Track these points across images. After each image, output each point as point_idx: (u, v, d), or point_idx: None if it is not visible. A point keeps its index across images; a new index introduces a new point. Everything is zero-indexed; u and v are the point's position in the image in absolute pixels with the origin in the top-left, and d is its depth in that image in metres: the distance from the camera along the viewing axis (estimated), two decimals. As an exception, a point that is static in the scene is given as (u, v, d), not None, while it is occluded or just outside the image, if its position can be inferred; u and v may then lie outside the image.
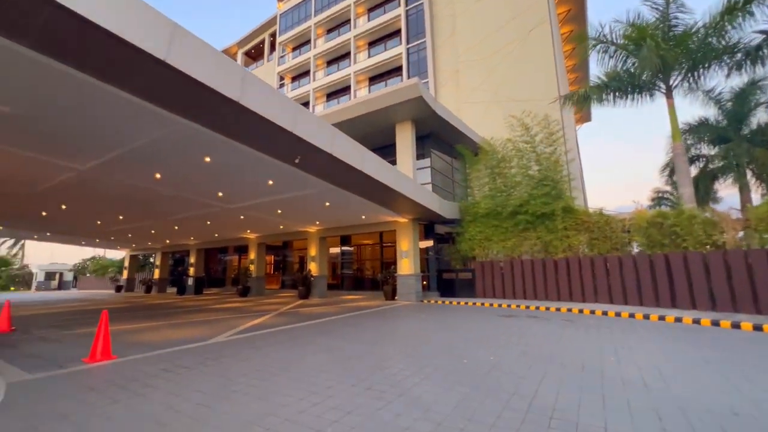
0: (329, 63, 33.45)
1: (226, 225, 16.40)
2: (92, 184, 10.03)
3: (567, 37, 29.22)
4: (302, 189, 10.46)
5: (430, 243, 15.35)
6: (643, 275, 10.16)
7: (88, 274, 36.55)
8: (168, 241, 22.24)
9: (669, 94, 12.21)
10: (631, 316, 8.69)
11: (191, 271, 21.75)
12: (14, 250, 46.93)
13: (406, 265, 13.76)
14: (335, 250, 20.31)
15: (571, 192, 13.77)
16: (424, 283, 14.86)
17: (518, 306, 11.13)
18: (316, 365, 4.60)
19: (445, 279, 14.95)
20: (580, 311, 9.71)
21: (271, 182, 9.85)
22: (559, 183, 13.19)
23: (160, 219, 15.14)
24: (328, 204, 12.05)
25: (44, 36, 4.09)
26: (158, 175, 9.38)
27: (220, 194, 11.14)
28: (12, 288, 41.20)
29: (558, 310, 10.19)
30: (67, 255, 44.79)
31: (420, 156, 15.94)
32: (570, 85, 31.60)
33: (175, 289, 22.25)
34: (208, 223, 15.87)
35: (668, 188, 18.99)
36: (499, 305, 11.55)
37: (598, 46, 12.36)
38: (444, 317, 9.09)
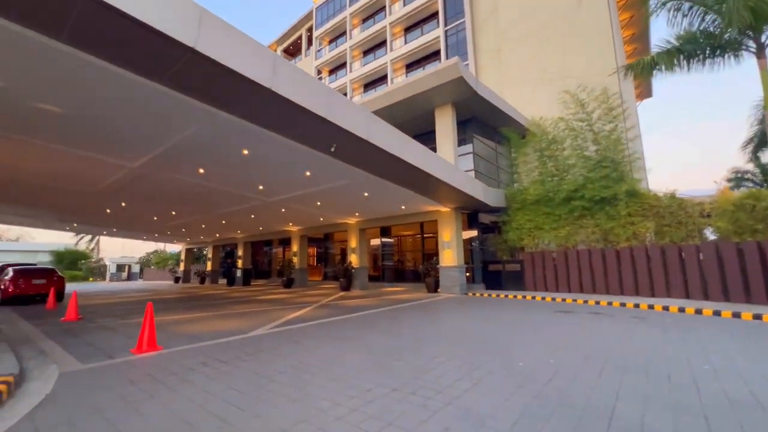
0: (365, 53, 33.07)
1: (269, 218, 16.77)
2: (144, 181, 10.53)
3: (623, 5, 26.29)
4: (340, 179, 10.23)
5: (474, 233, 14.58)
6: (730, 266, 8.74)
7: (151, 266, 39.81)
8: (218, 235, 23.39)
9: (761, 54, 10.31)
10: (716, 314, 7.48)
11: (239, 263, 22.72)
12: (91, 245, 52.62)
13: (449, 257, 13.15)
14: (375, 241, 20.12)
15: (635, 173, 12.26)
16: (468, 275, 14.16)
17: (574, 300, 10.14)
18: (355, 364, 4.29)
19: (491, 271, 14.14)
20: (650, 307, 8.57)
21: (308, 173, 9.71)
22: (620, 164, 11.79)
23: (208, 213, 15.80)
24: (366, 194, 11.76)
25: (79, 29, 4.07)
26: (201, 170, 9.60)
27: (261, 187, 11.25)
28: (90, 278, 46.21)
29: (623, 305, 9.10)
30: (135, 249, 49.31)
31: (461, 142, 15.12)
32: (627, 58, 28.53)
33: (225, 281, 23.42)
34: (252, 216, 16.31)
35: (750, 167, 16.39)
36: (553, 299, 10.62)
37: (669, 4, 10.72)
38: (492, 312, 8.45)
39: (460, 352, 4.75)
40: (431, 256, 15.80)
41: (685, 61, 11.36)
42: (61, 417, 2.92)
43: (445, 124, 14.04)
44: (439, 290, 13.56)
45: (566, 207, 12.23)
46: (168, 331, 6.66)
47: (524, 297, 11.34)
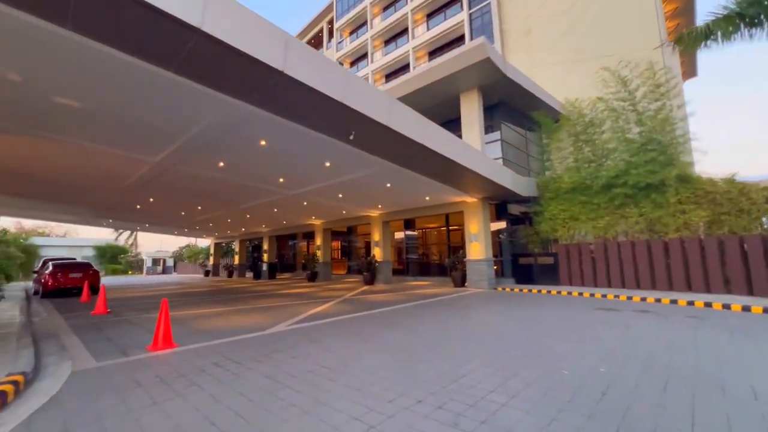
0: (387, 42, 32.36)
1: (292, 211, 16.70)
2: (167, 177, 10.59)
3: (668, -27, 24.05)
4: (361, 170, 9.83)
5: (502, 225, 13.83)
6: (804, 259, 7.65)
7: (184, 260, 41.37)
8: (243, 229, 23.74)
9: (842, 13, 8.88)
10: (791, 313, 6.52)
11: (265, 257, 22.98)
12: (130, 240, 55.50)
13: (477, 250, 12.52)
14: (399, 234, 19.68)
15: (685, 157, 11.06)
16: (496, 268, 13.46)
17: (616, 296, 9.30)
18: (376, 368, 3.89)
19: (522, 264, 13.37)
20: (707, 305, 7.66)
21: (328, 164, 9.38)
22: (668, 146, 10.66)
23: (232, 208, 15.90)
24: (389, 185, 11.31)
25: (81, 14, 3.84)
26: (221, 164, 9.48)
27: (281, 180, 11.05)
28: (129, 272, 48.79)
29: (674, 302, 8.21)
30: (170, 243, 51.56)
31: (488, 129, 14.31)
32: (668, 36, 26.21)
33: (252, 274, 23.79)
34: (275, 210, 16.28)
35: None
36: (591, 295, 9.80)
37: (728, -38, 9.42)
38: (525, 309, 7.83)
39: (494, 355, 4.25)
40: (457, 249, 15.19)
41: (746, 29, 10.04)
42: (60, 424, 2.70)
43: (470, 110, 13.29)
44: (466, 284, 12.97)
45: (606, 195, 11.26)
46: (188, 326, 6.55)
47: (559, 292, 10.57)
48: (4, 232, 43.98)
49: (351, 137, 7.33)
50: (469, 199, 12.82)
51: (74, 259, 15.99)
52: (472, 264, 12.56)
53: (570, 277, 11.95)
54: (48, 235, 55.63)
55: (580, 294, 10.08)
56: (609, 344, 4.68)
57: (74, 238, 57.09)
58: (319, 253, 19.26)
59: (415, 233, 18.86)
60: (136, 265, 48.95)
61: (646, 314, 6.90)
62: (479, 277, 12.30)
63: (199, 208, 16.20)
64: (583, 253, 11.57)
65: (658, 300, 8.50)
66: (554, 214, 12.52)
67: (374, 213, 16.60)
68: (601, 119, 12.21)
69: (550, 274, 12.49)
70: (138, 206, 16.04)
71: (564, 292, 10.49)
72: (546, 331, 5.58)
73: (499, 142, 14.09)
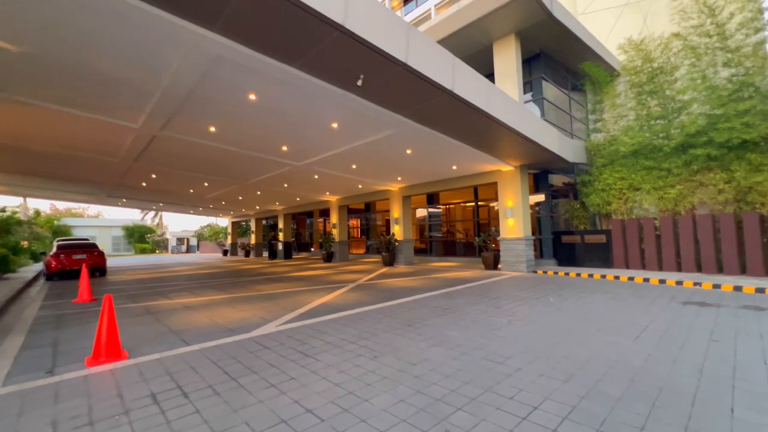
0: (406, 0, 29.55)
1: (304, 187, 15.32)
2: (158, 146, 9.40)
3: None
4: (374, 132, 8.15)
5: (541, 197, 11.90)
6: None
7: (205, 240, 41.54)
8: (258, 207, 22.75)
9: None
10: None
11: (281, 236, 22.00)
12: (156, 220, 56.72)
13: (512, 227, 10.73)
14: (422, 212, 18.02)
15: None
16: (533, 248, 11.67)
17: (697, 284, 7.39)
18: (386, 414, 2.40)
19: (565, 244, 11.50)
20: (841, 299, 5.68)
21: (335, 125, 7.75)
22: (772, 93, 8.27)
23: (240, 184, 14.68)
24: (409, 151, 9.59)
25: None
26: (212, 128, 8.08)
27: (285, 148, 9.56)
28: (156, 251, 49.95)
29: (786, 294, 6.26)
30: (195, 223, 52.13)
31: (525, 87, 12.14)
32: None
33: (267, 254, 22.98)
34: (286, 185, 14.95)
35: None
36: (661, 281, 7.93)
37: None
38: (584, 301, 6.12)
39: (572, 393, 2.66)
40: (487, 226, 13.43)
41: None
42: None
43: (506, 61, 11.14)
44: (499, 267, 11.30)
45: (680, 158, 9.09)
46: (162, 323, 5.32)
47: (617, 277, 8.73)
48: (37, 213, 45.38)
49: (359, 82, 5.64)
50: (505, 168, 10.92)
51: (87, 239, 15.43)
52: (507, 243, 10.82)
53: (627, 258, 10.02)
54: (81, 216, 57.54)
55: (646, 280, 8.21)
56: (741, 360, 2.98)
57: (105, 218, 58.78)
58: (334, 231, 17.96)
59: (439, 209, 17.13)
60: (163, 245, 49.99)
61: (765, 313, 5.06)
62: (516, 258, 10.57)
63: (206, 184, 15.10)
64: (645, 229, 9.57)
65: (761, 290, 6.56)
66: (608, 184, 10.47)
67: (393, 187, 14.95)
68: (673, 64, 9.80)
69: (600, 255, 10.59)
70: (144, 183, 15.15)
71: (623, 278, 8.64)
72: (625, 335, 3.91)
73: (539, 101, 11.90)
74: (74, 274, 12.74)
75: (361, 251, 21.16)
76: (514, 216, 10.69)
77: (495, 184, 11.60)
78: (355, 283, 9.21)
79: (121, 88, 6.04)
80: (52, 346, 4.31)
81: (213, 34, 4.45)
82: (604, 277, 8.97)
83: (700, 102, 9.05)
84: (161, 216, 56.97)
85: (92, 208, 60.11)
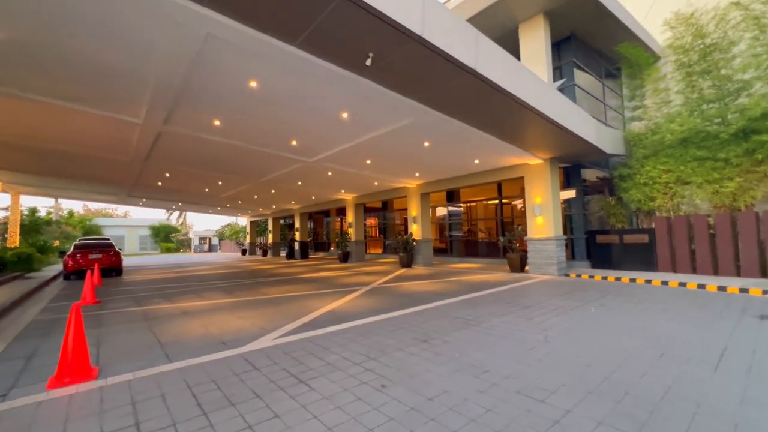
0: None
1: (318, 184, 14.81)
2: (166, 143, 9.10)
3: None
4: (389, 121, 7.46)
5: (572, 194, 10.85)
6: None
7: (225, 239, 42.10)
8: (274, 206, 22.53)
9: None
10: None
11: (297, 235, 21.68)
12: (180, 220, 58.22)
13: (541, 225, 9.78)
14: (441, 210, 17.19)
15: None
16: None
17: (766, 292, 6.29)
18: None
19: (600, 244, 10.44)
20: None
21: (345, 115, 7.11)
22: None
23: (254, 182, 14.33)
24: (427, 144, 8.84)
25: None
26: (216, 122, 7.63)
27: (294, 143, 9.02)
28: (181, 250, 51.17)
29: None
30: (217, 222, 53.06)
31: (555, 72, 11.12)
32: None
33: (285, 253, 22.72)
34: (299, 183, 14.49)
35: None
36: (721, 288, 6.85)
37: None
38: (631, 311, 5.22)
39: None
40: (510, 225, 12.49)
41: None
42: None
43: (533, 45, 10.18)
44: (527, 269, 10.38)
45: (740, 146, 7.93)
46: (151, 330, 4.84)
47: (664, 283, 7.68)
48: (71, 213, 46.93)
49: (368, 62, 4.96)
50: (533, 161, 9.98)
51: (108, 239, 15.55)
52: (536, 244, 9.88)
53: (673, 261, 8.90)
54: (111, 216, 59.76)
55: (701, 287, 7.14)
56: None
57: (132, 218, 60.81)
58: (350, 231, 17.40)
59: (459, 207, 16.26)
60: (186, 244, 51.17)
61: None
62: (545, 260, 9.63)
63: (220, 183, 14.86)
64: (696, 228, 8.44)
65: None
66: (651, 177, 9.36)
67: (411, 184, 14.21)
68: (731, 39, 8.59)
69: (641, 257, 9.49)
70: (159, 183, 15.07)
71: (673, 283, 7.58)
72: (735, 377, 3.05)
73: (569, 89, 10.85)
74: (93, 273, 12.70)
75: (379, 251, 20.54)
76: (543, 214, 9.74)
77: (521, 179, 10.67)
78: (368, 287, 8.56)
79: (113, 76, 5.63)
80: (27, 359, 3.87)
81: (199, 7, 3.89)
82: (648, 281, 7.94)
83: (765, 80, 7.83)
84: (185, 216, 58.51)
85: (121, 209, 62.32)
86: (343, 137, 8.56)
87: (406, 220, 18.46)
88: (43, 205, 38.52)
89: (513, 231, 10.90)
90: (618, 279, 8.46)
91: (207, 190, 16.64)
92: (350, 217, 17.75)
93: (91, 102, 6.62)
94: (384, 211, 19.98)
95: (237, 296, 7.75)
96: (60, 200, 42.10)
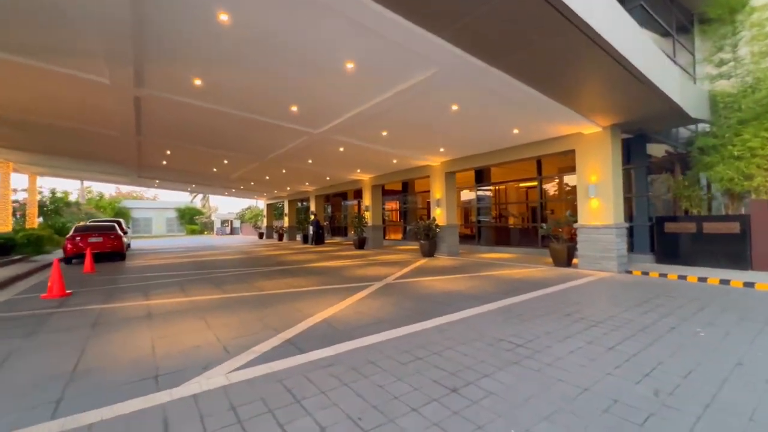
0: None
1: (330, 163, 13.35)
2: (152, 112, 8.05)
3: None
4: (407, 74, 5.79)
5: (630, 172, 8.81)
6: None
7: (245, 222, 41.89)
8: (288, 188, 21.39)
9: None
10: None
11: (313, 218, 20.51)
12: (204, 203, 58.93)
13: (597, 210, 7.92)
14: (467, 194, 15.37)
15: None
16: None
17: None
18: None
19: (668, 234, 8.45)
20: None
21: (351, 65, 5.50)
22: None
23: (260, 160, 13.05)
24: (456, 108, 7.10)
25: None
26: (197, 81, 6.25)
27: (294, 108, 7.52)
28: (205, 232, 51.83)
29: None
30: (239, 205, 53.20)
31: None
32: None
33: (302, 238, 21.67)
34: (310, 161, 13.08)
35: None
36: None
37: None
38: (753, 329, 3.48)
39: None
40: (549, 210, 10.59)
41: None
42: None
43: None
44: (575, 262, 8.59)
45: None
46: (90, 344, 3.60)
47: (773, 287, 5.75)
48: (101, 195, 48.04)
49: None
50: (588, 129, 8.02)
51: (111, 222, 14.93)
52: (589, 232, 8.04)
53: (776, 256, 6.87)
54: (140, 199, 61.30)
55: (835, 295, 5.18)
56: None
57: (160, 201, 62.13)
58: (367, 215, 15.94)
59: (489, 189, 14.38)
60: (210, 227, 51.74)
61: None
62: (601, 252, 7.79)
63: (226, 162, 13.71)
64: (815, 215, 6.36)
65: None
66: (750, 149, 7.25)
67: (434, 161, 12.48)
68: None
69: (727, 251, 7.48)
70: (164, 162, 14.13)
71: (787, 288, 5.64)
72: None
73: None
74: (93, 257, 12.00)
75: (398, 237, 19.05)
76: (599, 196, 7.85)
77: (570, 153, 8.74)
78: (382, 282, 7.10)
79: (57, 17, 4.31)
80: None
81: None
82: (750, 285, 6.01)
83: None
84: (208, 198, 59.15)
85: (150, 191, 63.76)
86: (350, 99, 6.96)
87: (428, 204, 16.80)
88: (75, 188, 39.39)
89: (558, 216, 9.05)
90: (702, 280, 6.56)
91: (215, 170, 15.60)
92: (367, 199, 16.26)
93: (49, 56, 5.42)
94: (404, 194, 18.34)
95: (225, 291, 6.50)
96: (89, 183, 43.18)
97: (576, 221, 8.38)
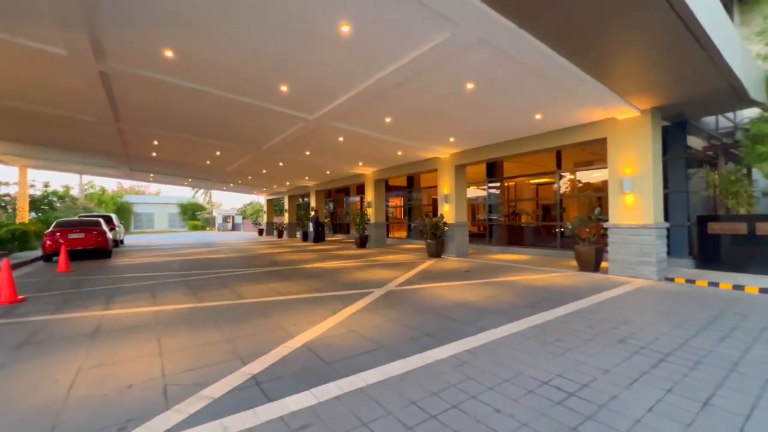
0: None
1: (329, 155, 12.37)
2: (125, 92, 7.08)
3: None
4: (414, 40, 4.77)
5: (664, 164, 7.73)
6: None
7: (246, 218, 41.10)
8: (288, 183, 20.46)
9: None
10: None
11: (313, 214, 19.57)
12: (206, 198, 58.30)
13: (633, 207, 6.87)
14: (472, 191, 14.34)
15: None
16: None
17: None
18: None
19: (711, 236, 7.38)
20: None
21: (345, 27, 4.50)
22: None
23: (254, 151, 12.10)
24: (471, 86, 6.07)
25: None
26: (168, 52, 5.29)
27: (284, 88, 6.52)
28: (207, 228, 51.18)
29: None
30: (241, 201, 52.44)
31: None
32: None
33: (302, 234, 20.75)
34: (308, 153, 12.11)
35: None
36: None
37: None
38: None
39: None
40: (563, 208, 9.55)
41: None
42: None
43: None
44: (605, 266, 7.56)
45: None
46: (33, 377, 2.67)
47: None
48: (103, 190, 47.50)
49: None
50: (623, 114, 6.94)
51: (97, 217, 14.06)
52: (623, 233, 6.99)
53: None
54: (143, 194, 60.80)
55: None
56: None
57: (163, 196, 61.57)
58: (369, 211, 14.96)
59: (500, 185, 13.32)
60: (211, 222, 51.09)
61: None
62: (637, 256, 6.74)
63: (218, 153, 12.78)
64: None
65: None
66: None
67: (443, 153, 11.45)
68: None
69: (786, 256, 6.41)
70: (154, 154, 13.25)
71: None
72: None
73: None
74: (73, 255, 11.21)
75: (403, 235, 18.06)
76: (636, 191, 6.80)
77: (590, 145, 7.69)
78: (382, 289, 6.13)
79: None
80: None
81: None
82: (827, 299, 4.96)
83: None
84: (210, 194, 58.51)
85: (153, 186, 63.21)
86: (347, 77, 5.96)
87: (434, 201, 15.78)
88: (77, 183, 38.80)
89: (588, 215, 8.00)
90: (765, 290, 5.51)
91: (208, 162, 14.69)
92: (369, 195, 15.27)
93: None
94: (410, 189, 17.31)
95: (200, 299, 5.57)
96: (91, 178, 42.62)
97: (606, 220, 7.33)
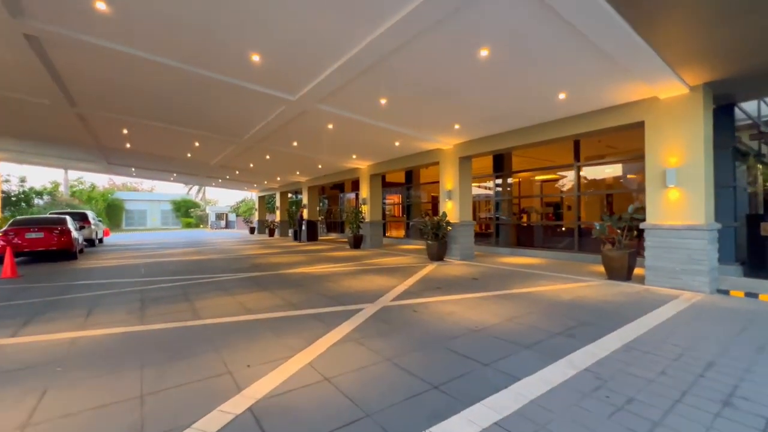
0: None
1: (319, 146, 11.17)
2: (66, 63, 5.77)
3: None
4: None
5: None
6: None
7: (238, 216, 39.86)
8: (279, 178, 19.25)
9: None
10: None
11: (304, 213, 18.37)
12: (200, 195, 56.96)
13: (677, 204, 5.71)
14: (477, 189, 13.18)
15: None
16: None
17: None
18: None
19: (764, 238, 6.25)
20: None
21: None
22: None
23: (236, 141, 10.88)
24: (486, 53, 4.87)
25: None
26: (100, 3, 4.06)
27: (256, 57, 5.32)
28: (200, 226, 49.89)
29: None
30: (236, 198, 51.13)
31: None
32: None
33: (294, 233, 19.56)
34: (295, 144, 10.91)
35: None
36: None
37: None
38: None
39: None
40: (566, 206, 8.40)
41: None
42: None
43: None
44: (638, 273, 6.40)
45: None
46: None
47: None
48: (93, 187, 46.12)
49: None
50: (667, 92, 5.75)
51: (61, 215, 12.83)
52: (665, 235, 5.82)
53: None
54: (135, 190, 59.39)
55: None
56: None
57: (156, 193, 60.10)
58: (364, 208, 13.78)
59: (509, 180, 12.15)
60: (205, 219, 49.78)
61: None
62: (684, 263, 5.58)
63: (197, 144, 11.57)
64: None
65: None
66: None
67: (446, 143, 10.25)
68: None
69: None
70: (128, 145, 12.05)
71: None
72: None
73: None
74: (35, 256, 10.03)
75: (400, 234, 16.90)
76: (681, 185, 5.64)
77: (637, 126, 6.52)
78: (376, 304, 4.95)
79: None
80: None
81: None
82: None
83: None
84: (204, 190, 57.19)
85: (146, 183, 61.77)
86: (330, 38, 4.75)
87: (434, 198, 14.62)
88: (67, 179, 37.36)
89: (622, 213, 6.85)
90: None
91: (189, 155, 13.46)
92: (364, 191, 14.08)
93: None
94: (408, 186, 16.12)
95: (143, 319, 4.38)
96: (80, 174, 41.20)
97: (642, 219, 6.18)
